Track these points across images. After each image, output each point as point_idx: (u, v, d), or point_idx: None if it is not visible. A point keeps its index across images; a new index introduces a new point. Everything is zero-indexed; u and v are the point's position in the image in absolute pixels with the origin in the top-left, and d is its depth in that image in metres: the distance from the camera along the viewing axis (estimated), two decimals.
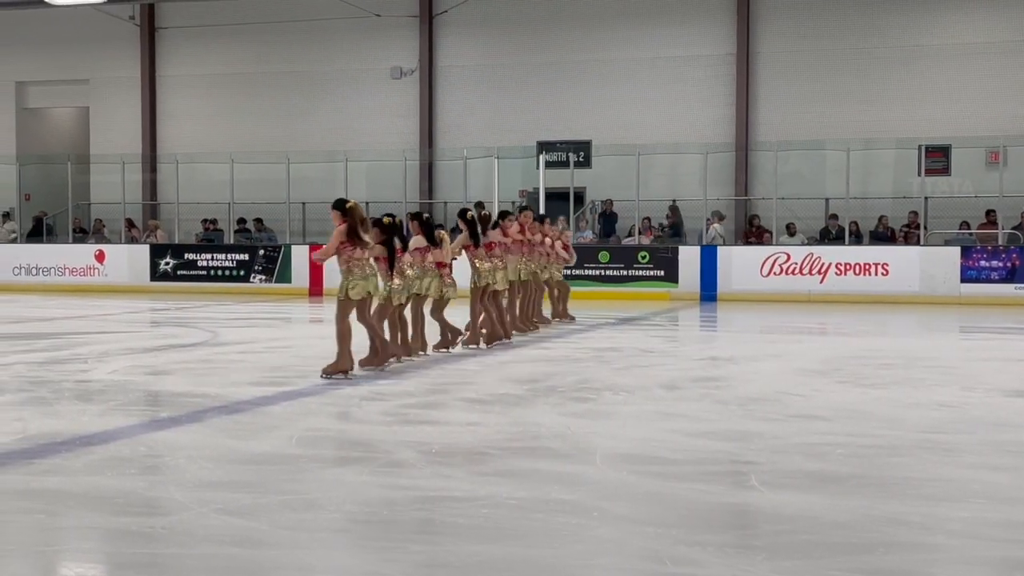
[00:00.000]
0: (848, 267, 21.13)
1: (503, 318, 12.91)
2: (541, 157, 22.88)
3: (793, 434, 7.52)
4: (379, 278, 10.39)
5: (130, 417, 8.14)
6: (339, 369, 9.97)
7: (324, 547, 4.90)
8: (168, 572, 4.63)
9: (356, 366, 10.19)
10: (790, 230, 23.24)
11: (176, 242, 25.92)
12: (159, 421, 7.99)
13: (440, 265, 11.46)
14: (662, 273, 21.65)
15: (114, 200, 27.66)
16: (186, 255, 24.85)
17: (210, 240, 26.12)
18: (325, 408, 8.60)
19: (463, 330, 12.35)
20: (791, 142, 24.55)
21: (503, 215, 13.43)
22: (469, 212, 12.53)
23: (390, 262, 10.59)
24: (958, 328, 17.14)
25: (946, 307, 20.08)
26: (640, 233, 23.41)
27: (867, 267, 21.21)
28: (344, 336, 9.94)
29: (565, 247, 15.30)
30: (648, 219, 23.96)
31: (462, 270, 12.27)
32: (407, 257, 11.00)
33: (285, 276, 24.01)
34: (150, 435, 7.37)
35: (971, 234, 22.77)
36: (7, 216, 28.55)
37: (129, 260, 25.29)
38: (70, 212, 27.64)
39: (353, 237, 9.95)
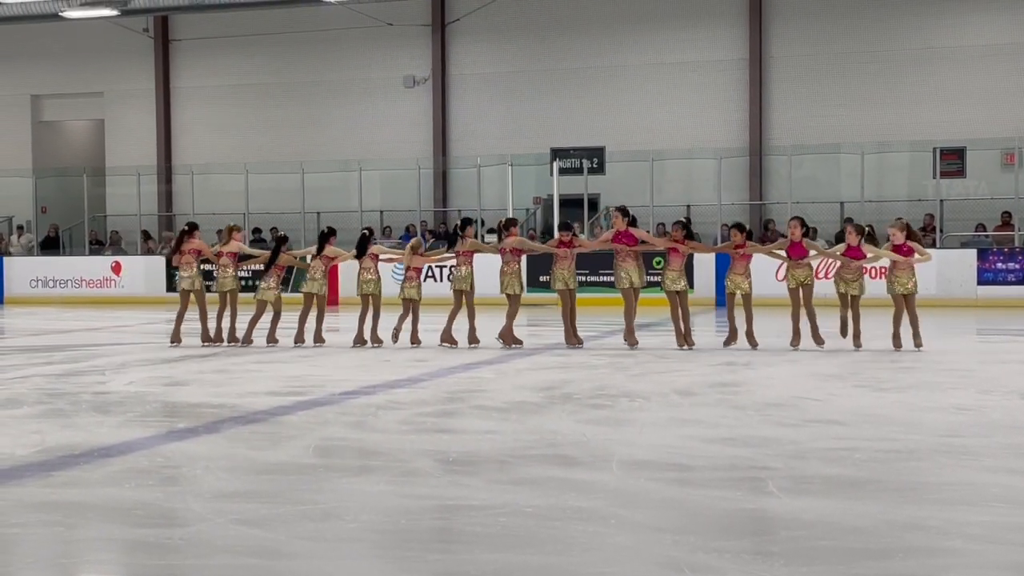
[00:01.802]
0: (864, 270, 20.99)
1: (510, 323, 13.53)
2: (555, 164, 22.89)
3: (810, 439, 7.49)
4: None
5: (147, 428, 8.16)
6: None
7: (342, 557, 4.90)
8: None
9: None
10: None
11: None
12: (176, 432, 8.02)
13: (411, 271, 13.68)
14: None
15: (130, 212, 27.79)
16: (201, 266, 24.83)
17: None
18: (341, 417, 8.60)
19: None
20: (805, 146, 24.52)
21: (565, 227, 14.25)
22: (456, 222, 14.07)
23: (267, 266, 14.35)
24: (975, 331, 17.07)
25: (963, 310, 20.00)
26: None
27: (883, 270, 21.07)
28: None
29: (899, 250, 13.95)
30: (663, 224, 23.94)
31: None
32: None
33: (300, 285, 23.93)
34: (167, 446, 7.39)
35: (987, 236, 22.67)
36: (21, 230, 28.69)
37: (145, 272, 25.36)
38: (86, 224, 27.77)
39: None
